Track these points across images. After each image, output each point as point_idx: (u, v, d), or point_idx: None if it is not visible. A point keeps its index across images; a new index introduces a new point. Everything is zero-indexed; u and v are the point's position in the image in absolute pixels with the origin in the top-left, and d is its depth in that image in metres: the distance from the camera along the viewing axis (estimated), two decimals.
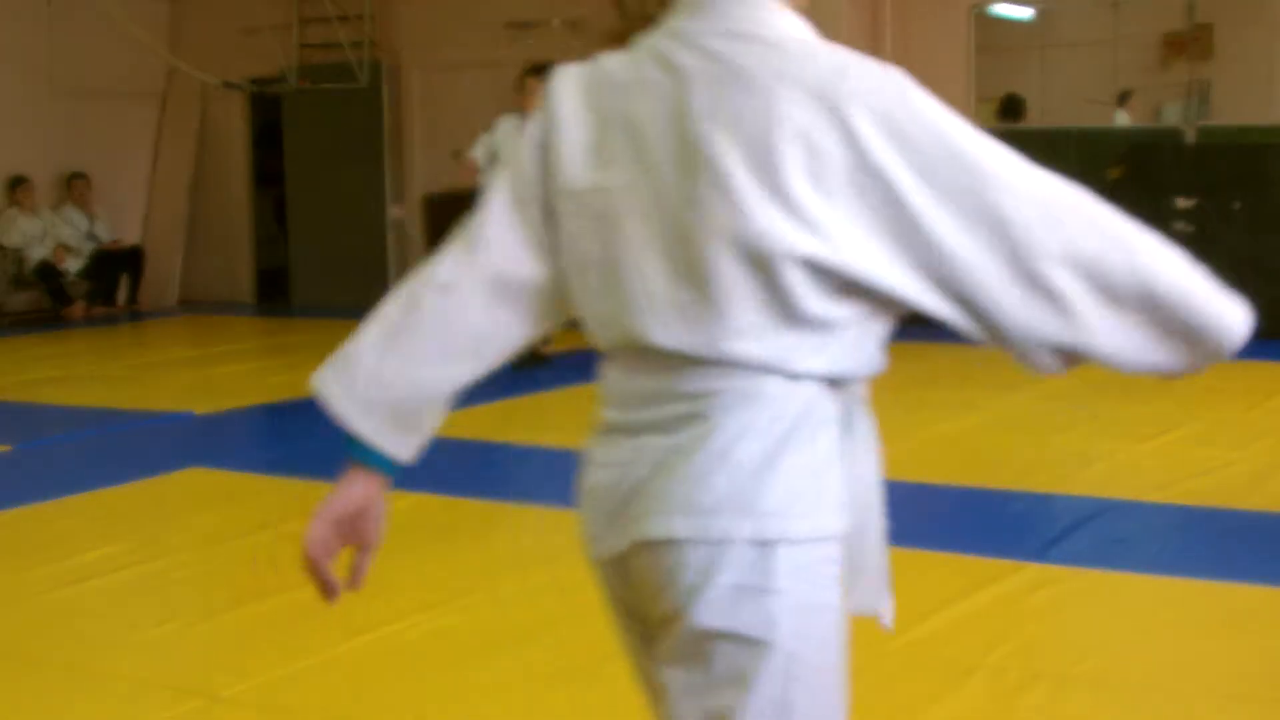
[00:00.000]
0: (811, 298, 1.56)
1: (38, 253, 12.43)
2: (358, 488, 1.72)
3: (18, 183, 12.38)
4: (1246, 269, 9.76)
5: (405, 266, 12.99)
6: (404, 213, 12.99)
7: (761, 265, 1.54)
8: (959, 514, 5.56)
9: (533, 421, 7.62)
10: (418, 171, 12.93)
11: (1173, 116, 10.84)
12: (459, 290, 1.69)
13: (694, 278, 1.57)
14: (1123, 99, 11.39)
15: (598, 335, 1.68)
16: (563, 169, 1.66)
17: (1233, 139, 9.99)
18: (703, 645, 1.59)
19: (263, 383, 8.89)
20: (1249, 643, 3.89)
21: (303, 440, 7.17)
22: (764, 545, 1.57)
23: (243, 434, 7.66)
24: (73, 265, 12.63)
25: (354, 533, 1.72)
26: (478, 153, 9.24)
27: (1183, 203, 9.75)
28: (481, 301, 1.69)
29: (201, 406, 7.93)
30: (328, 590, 1.71)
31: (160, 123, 13.85)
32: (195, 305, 13.53)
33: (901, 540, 5.47)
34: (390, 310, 1.72)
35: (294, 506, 5.69)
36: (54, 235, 12.55)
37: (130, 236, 13.38)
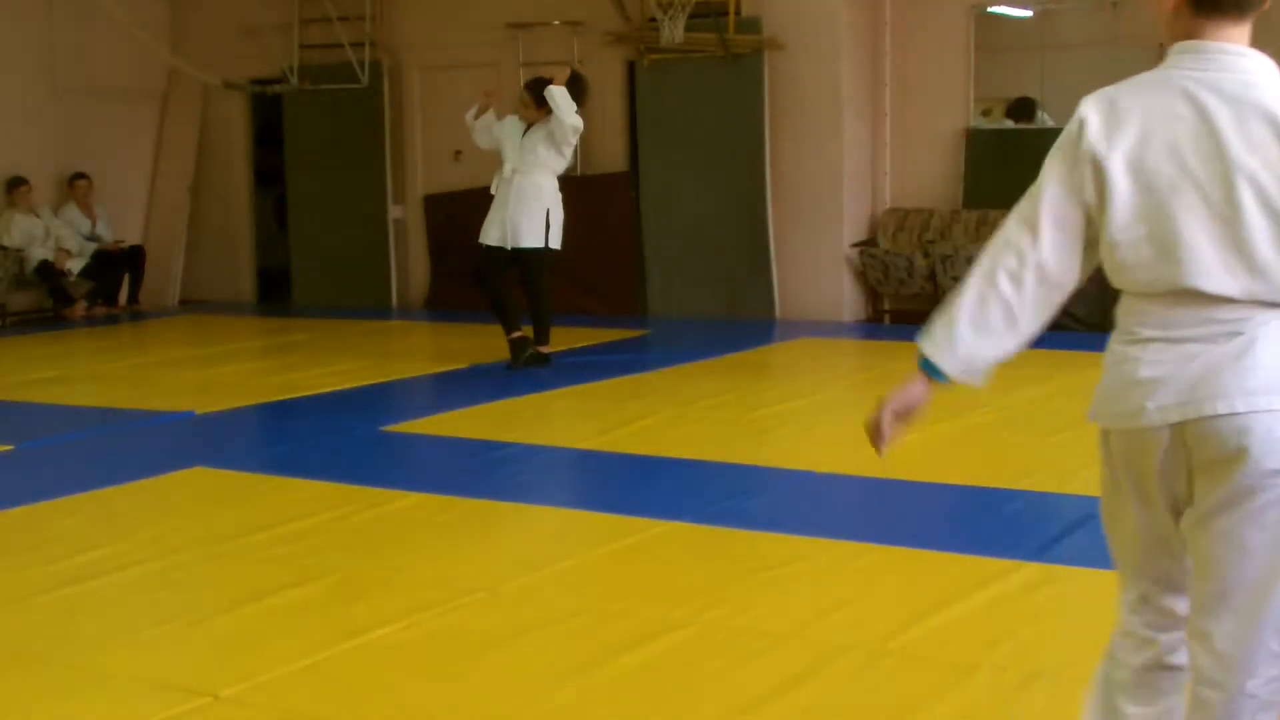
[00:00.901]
0: None
1: (39, 253, 12.41)
2: (923, 389, 2.56)
3: (17, 183, 12.37)
4: None
5: (405, 266, 13.00)
6: (404, 213, 12.99)
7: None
8: (959, 514, 5.56)
9: (533, 421, 7.62)
10: (418, 171, 12.93)
11: None
12: (1024, 287, 2.46)
13: (1237, 247, 2.32)
14: None
15: (1147, 285, 2.39)
16: (1113, 175, 2.38)
17: None
18: (1260, 482, 2.31)
19: (263, 383, 8.89)
20: None
21: (303, 440, 7.18)
22: None
23: (243, 434, 7.66)
24: (74, 266, 12.62)
25: (905, 419, 2.58)
26: (478, 138, 9.23)
27: None
28: (1033, 295, 2.48)
29: (202, 406, 7.93)
30: (880, 444, 2.58)
31: (161, 123, 13.85)
32: (196, 305, 13.53)
33: (901, 540, 5.45)
34: (975, 300, 2.50)
35: (294, 506, 5.69)
36: (55, 236, 12.53)
37: (131, 236, 13.36)
